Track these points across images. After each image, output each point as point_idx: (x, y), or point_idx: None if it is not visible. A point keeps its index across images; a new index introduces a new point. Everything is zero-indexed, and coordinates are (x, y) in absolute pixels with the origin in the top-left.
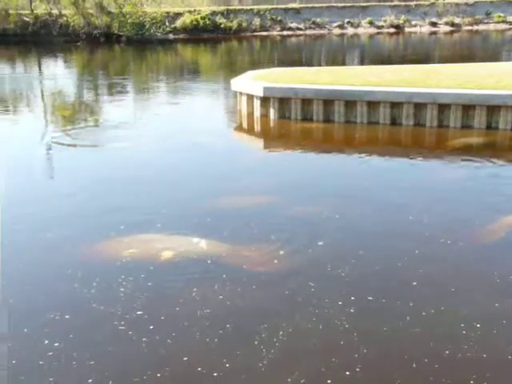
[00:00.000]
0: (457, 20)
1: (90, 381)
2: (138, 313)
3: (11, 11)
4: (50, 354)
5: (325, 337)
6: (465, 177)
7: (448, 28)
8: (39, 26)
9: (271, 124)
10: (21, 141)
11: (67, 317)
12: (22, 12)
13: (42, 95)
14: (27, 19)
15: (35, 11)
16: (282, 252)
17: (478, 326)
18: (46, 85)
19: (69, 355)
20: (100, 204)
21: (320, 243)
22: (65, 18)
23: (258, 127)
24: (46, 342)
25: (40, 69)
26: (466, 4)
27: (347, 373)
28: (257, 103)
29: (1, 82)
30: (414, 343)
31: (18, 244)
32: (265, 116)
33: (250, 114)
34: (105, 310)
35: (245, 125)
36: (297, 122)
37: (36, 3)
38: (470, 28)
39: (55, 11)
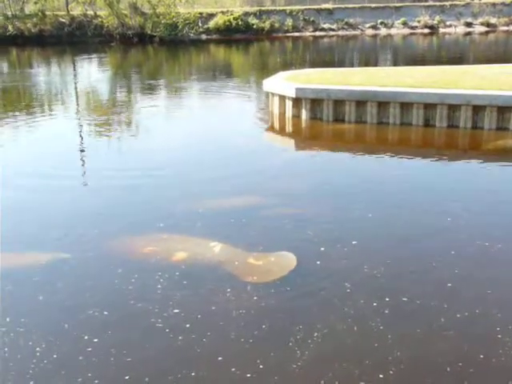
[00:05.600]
0: (492, 20)
1: (126, 377)
2: (175, 311)
3: (48, 12)
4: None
5: (359, 338)
6: (500, 180)
7: (483, 28)
8: (75, 27)
9: (303, 125)
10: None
11: (106, 313)
12: (58, 13)
13: (76, 93)
14: (63, 20)
15: (71, 12)
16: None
17: None
18: (80, 84)
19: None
20: (136, 201)
21: (354, 242)
22: (99, 19)
23: (289, 128)
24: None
25: (75, 68)
26: (503, 4)
27: (381, 375)
28: (289, 104)
29: (38, 81)
30: (448, 346)
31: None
32: (296, 117)
33: (282, 115)
34: (142, 307)
35: (276, 125)
36: (329, 123)
37: (72, 5)
38: (506, 28)
39: (90, 12)
